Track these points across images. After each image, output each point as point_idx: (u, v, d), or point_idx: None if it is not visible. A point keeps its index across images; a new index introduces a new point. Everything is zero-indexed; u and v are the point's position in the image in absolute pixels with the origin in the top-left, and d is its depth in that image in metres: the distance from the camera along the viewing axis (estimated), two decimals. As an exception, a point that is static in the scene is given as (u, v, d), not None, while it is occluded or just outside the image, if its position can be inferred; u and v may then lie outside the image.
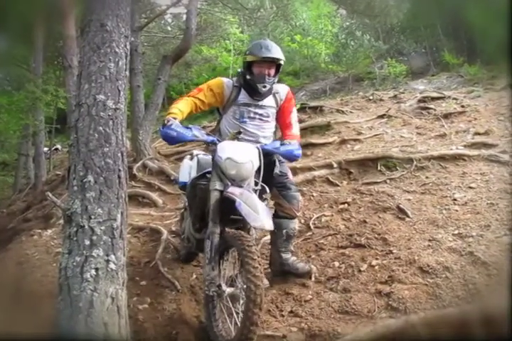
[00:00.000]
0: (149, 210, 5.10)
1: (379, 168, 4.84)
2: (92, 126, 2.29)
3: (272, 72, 3.10)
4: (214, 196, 2.63)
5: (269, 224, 2.43)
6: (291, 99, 3.32)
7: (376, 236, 3.49)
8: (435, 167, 4.63)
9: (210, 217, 2.62)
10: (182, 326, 2.82)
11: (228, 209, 2.58)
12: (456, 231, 3.33)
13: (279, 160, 3.12)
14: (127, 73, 2.54)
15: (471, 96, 7.64)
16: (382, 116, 7.17)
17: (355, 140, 6.11)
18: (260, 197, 2.71)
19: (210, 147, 2.83)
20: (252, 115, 3.15)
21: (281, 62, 3.11)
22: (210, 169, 2.85)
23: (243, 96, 3.14)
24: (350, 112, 7.98)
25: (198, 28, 8.53)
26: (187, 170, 3.29)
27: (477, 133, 5.55)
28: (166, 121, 2.76)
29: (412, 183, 4.43)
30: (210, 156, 3.11)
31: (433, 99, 7.64)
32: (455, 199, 3.86)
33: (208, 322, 2.60)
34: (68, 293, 2.02)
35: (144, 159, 6.79)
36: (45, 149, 11.47)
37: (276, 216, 3.14)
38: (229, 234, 2.61)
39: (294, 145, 2.94)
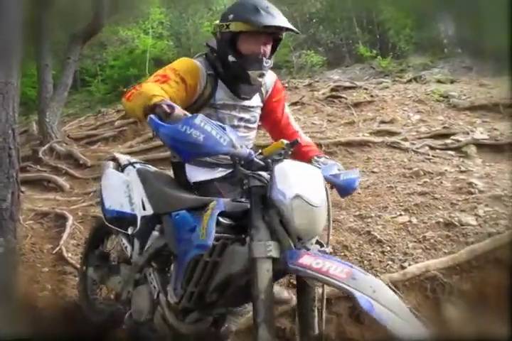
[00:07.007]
0: (55, 195, 4.86)
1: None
2: (-21, 100, 2.14)
3: (269, 50, 1.96)
4: (264, 272, 1.36)
5: None
6: (281, 89, 2.26)
7: (283, 218, 3.59)
8: (342, 152, 4.84)
9: (260, 317, 1.33)
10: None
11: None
12: (357, 213, 3.50)
13: None
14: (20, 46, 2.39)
15: (379, 87, 8.05)
16: (295, 103, 7.35)
17: (269, 126, 6.19)
18: None
19: (239, 169, 1.51)
20: (235, 122, 2.07)
21: (282, 36, 1.97)
22: (216, 210, 1.55)
23: (222, 94, 2.00)
24: (266, 99, 8.08)
25: (111, 6, 8.15)
26: (121, 192, 2.05)
27: (383, 122, 5.88)
28: (165, 107, 1.47)
29: (319, 168, 4.58)
30: (154, 168, 2.19)
31: (345, 88, 7.95)
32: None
33: None
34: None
35: (51, 142, 6.44)
36: None
37: None
38: None
39: (354, 172, 1.91)
